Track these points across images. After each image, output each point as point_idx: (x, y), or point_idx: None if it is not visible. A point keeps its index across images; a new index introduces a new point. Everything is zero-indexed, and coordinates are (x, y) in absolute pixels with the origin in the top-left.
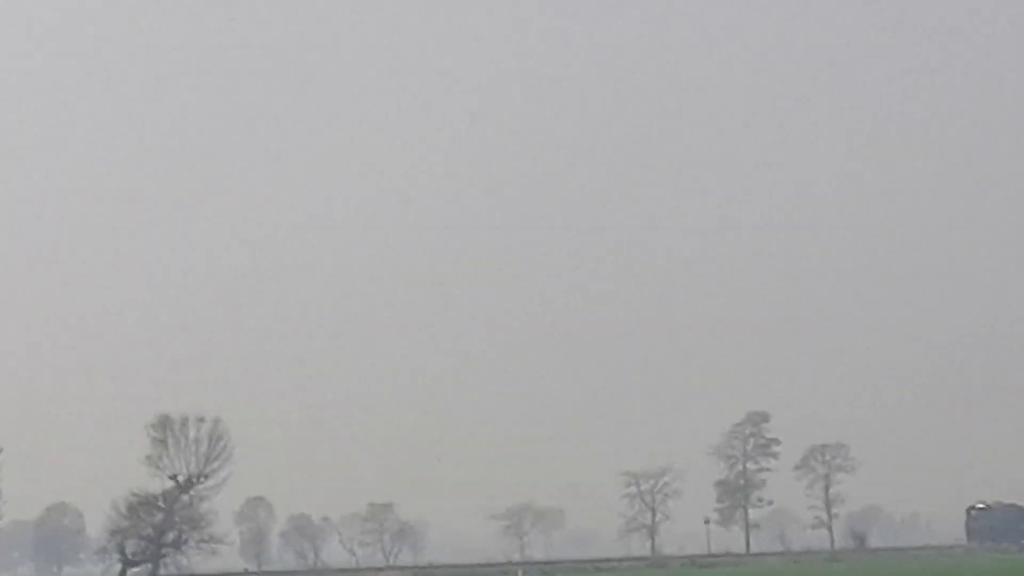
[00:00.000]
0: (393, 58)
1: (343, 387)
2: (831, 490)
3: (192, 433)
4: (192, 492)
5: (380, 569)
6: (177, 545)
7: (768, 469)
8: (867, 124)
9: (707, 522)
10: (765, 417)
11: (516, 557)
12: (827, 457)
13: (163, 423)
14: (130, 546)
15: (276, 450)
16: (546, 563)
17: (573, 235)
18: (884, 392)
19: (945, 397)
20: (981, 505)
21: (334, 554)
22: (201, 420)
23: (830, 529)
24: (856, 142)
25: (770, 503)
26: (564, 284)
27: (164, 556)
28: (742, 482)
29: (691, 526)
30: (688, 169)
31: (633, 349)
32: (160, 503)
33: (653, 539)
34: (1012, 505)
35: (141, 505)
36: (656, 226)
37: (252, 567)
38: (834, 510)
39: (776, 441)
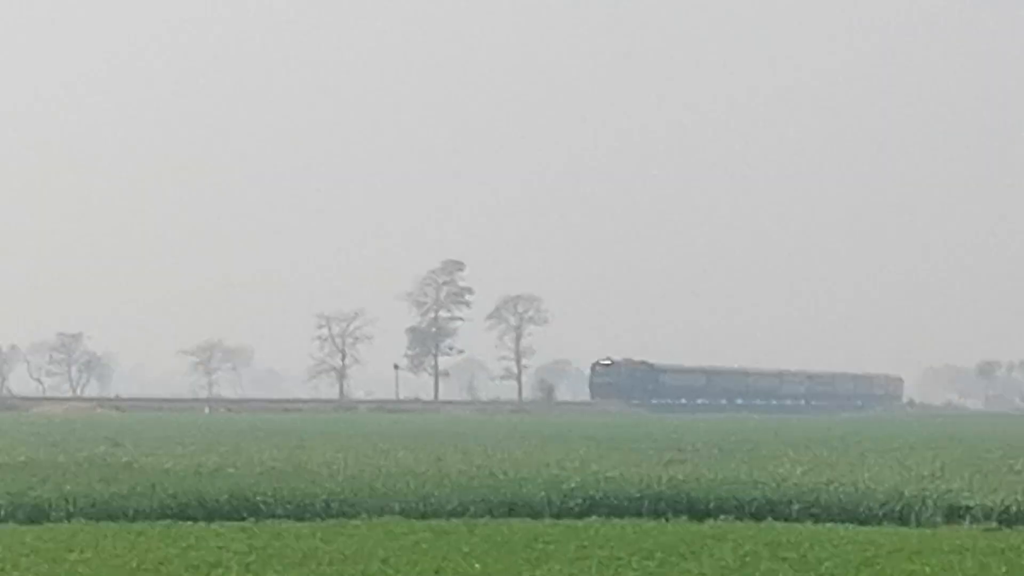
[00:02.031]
0: None
1: (35, 210)
2: (522, 342)
3: None
4: None
5: (67, 399)
6: None
7: (460, 318)
8: None
9: (397, 368)
10: (460, 266)
11: (204, 394)
12: (519, 309)
13: None
14: None
15: None
16: (233, 401)
17: None
18: (578, 248)
19: (632, 259)
20: (606, 361)
21: (20, 382)
22: None
23: (519, 380)
24: None
25: (461, 352)
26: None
27: None
28: (434, 329)
29: (381, 371)
30: None
31: (319, 190)
32: None
33: (342, 383)
34: (643, 362)
35: None
36: None
37: None
38: (524, 362)
39: (469, 290)
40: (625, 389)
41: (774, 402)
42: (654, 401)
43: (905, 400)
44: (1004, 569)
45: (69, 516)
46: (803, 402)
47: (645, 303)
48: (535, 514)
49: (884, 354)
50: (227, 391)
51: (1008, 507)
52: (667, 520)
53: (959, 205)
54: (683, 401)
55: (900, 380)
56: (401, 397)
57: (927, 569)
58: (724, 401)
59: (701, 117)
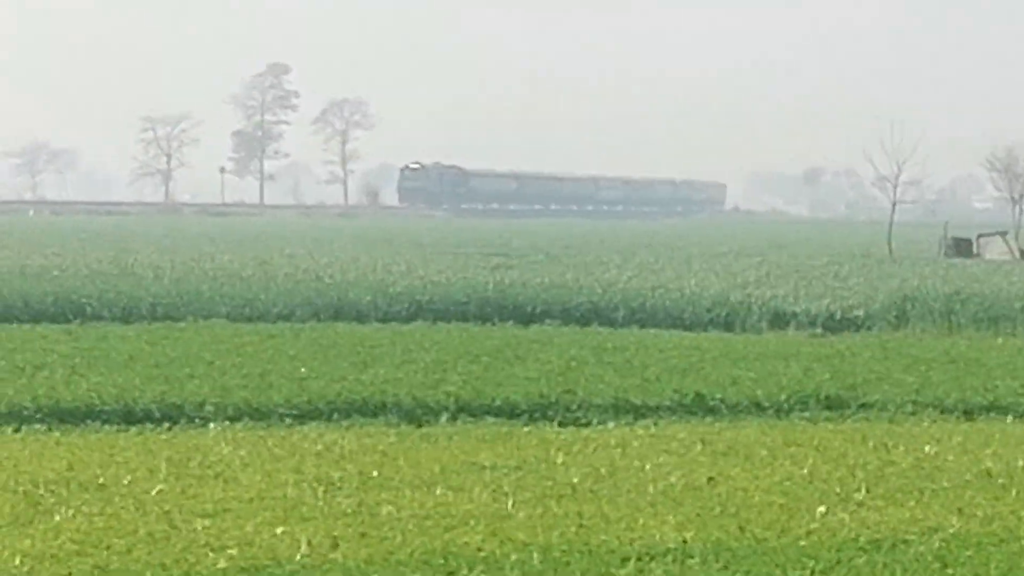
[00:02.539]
0: None
1: None
2: (348, 146)
3: None
4: None
5: None
6: None
7: (286, 122)
8: None
9: (222, 171)
10: (286, 69)
11: (28, 196)
12: (346, 113)
13: None
14: None
15: None
16: (59, 203)
17: None
18: (404, 48)
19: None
20: (415, 165)
21: None
22: None
23: (345, 185)
24: None
25: (287, 156)
26: None
27: None
28: (259, 133)
29: (206, 174)
30: None
31: None
32: None
33: (167, 185)
34: (453, 166)
35: None
36: None
37: None
38: (350, 166)
39: (296, 94)
40: (434, 194)
41: (590, 208)
42: (464, 206)
43: (729, 207)
44: (828, 375)
45: None
46: (620, 208)
47: (472, 109)
48: (361, 318)
49: (708, 160)
50: (52, 194)
51: (832, 314)
52: (493, 325)
53: None
54: (495, 206)
55: (723, 186)
56: (226, 201)
57: (751, 374)
58: (538, 207)
59: None
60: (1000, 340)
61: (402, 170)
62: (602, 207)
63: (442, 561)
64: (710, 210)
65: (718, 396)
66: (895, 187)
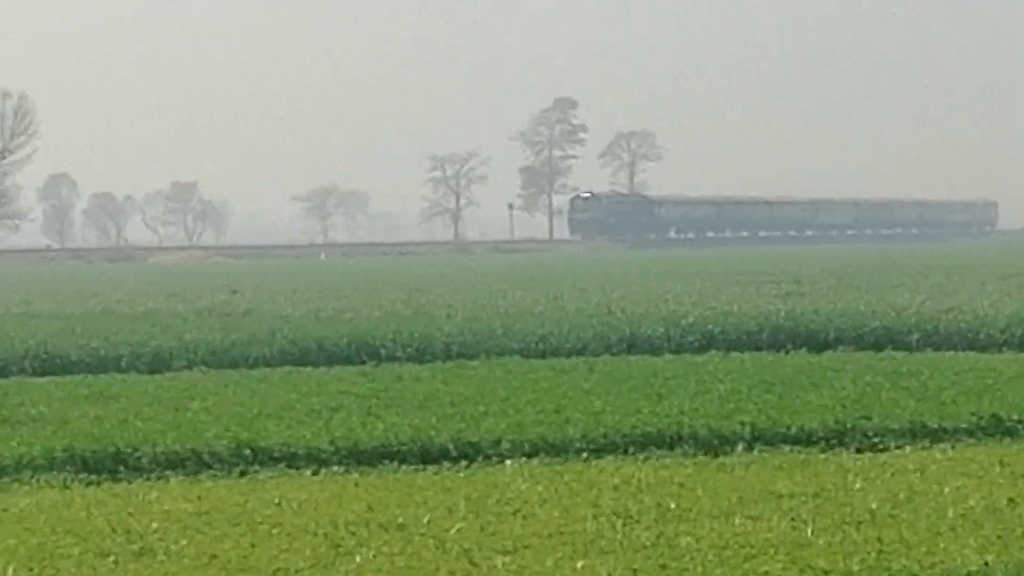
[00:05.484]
0: None
1: (151, 62)
2: (636, 178)
3: None
4: None
5: (184, 248)
6: None
7: (574, 156)
8: None
9: (511, 208)
10: (572, 104)
11: (319, 239)
12: (632, 145)
13: None
14: None
15: (81, 127)
16: (349, 245)
17: None
18: (692, 82)
19: (748, 88)
20: (586, 194)
21: (137, 232)
22: (7, 95)
23: None
24: None
25: (575, 190)
26: None
27: None
28: (547, 169)
29: (495, 212)
30: None
31: (437, 31)
32: None
33: (457, 224)
34: (634, 194)
35: None
36: None
37: (55, 244)
38: None
39: (583, 128)
40: (610, 225)
41: (809, 233)
42: (652, 236)
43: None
44: None
45: (190, 365)
46: (850, 232)
47: (765, 138)
48: (654, 350)
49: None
50: (342, 235)
51: None
52: (786, 352)
53: None
54: (691, 236)
55: (992, 204)
56: (516, 237)
57: None
58: (745, 234)
59: None
60: None
61: (572, 200)
62: (830, 232)
63: None
64: (976, 231)
65: (1015, 417)
66: None
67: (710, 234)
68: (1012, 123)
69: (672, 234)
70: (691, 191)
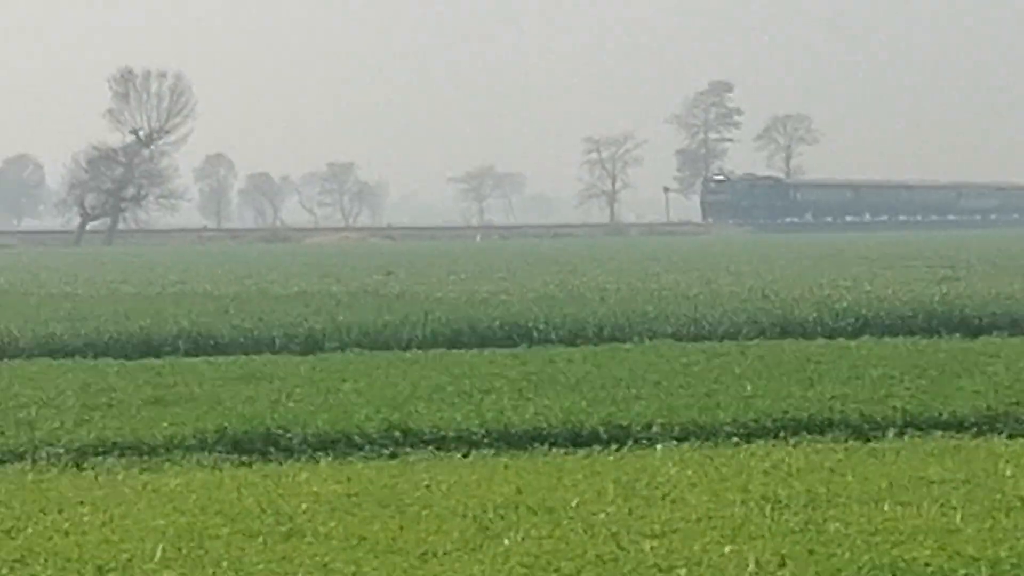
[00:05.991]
0: None
1: (308, 44)
2: (792, 162)
3: (154, 87)
4: (153, 147)
5: (339, 229)
6: (136, 200)
7: (729, 139)
8: None
9: (667, 191)
10: (728, 87)
11: (475, 221)
12: (789, 128)
13: (125, 77)
14: (89, 200)
15: (238, 107)
16: (505, 227)
17: None
18: (849, 64)
19: (912, 71)
20: (719, 176)
21: (293, 213)
22: (163, 75)
23: None
24: None
25: (731, 173)
26: None
27: (123, 211)
28: (703, 151)
29: (651, 194)
30: None
31: (576, 16)
32: (120, 158)
33: (612, 206)
34: (768, 177)
35: (101, 159)
36: None
37: (211, 224)
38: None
39: (738, 111)
40: (744, 208)
41: (951, 218)
42: (787, 220)
43: None
44: None
45: (342, 346)
46: (993, 217)
47: (923, 120)
48: (807, 335)
49: None
50: (498, 217)
51: None
52: (940, 337)
53: None
54: (828, 220)
55: None
56: (672, 220)
57: None
58: (885, 218)
59: None
60: None
61: (704, 182)
62: (973, 217)
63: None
64: None
65: None
66: None
67: (848, 218)
68: None
69: (809, 217)
70: (851, 176)
